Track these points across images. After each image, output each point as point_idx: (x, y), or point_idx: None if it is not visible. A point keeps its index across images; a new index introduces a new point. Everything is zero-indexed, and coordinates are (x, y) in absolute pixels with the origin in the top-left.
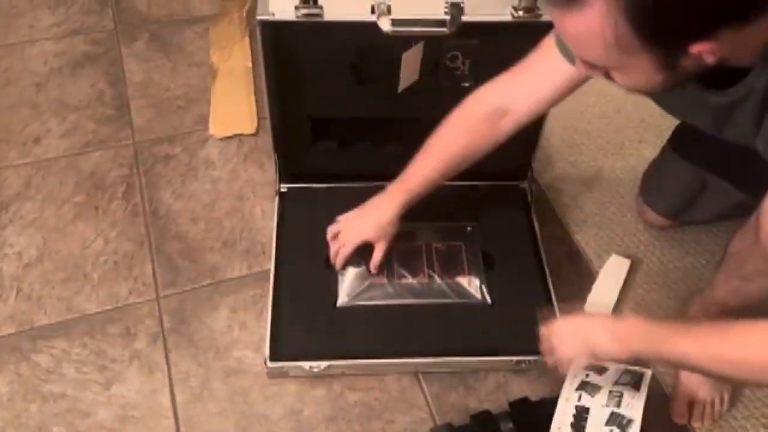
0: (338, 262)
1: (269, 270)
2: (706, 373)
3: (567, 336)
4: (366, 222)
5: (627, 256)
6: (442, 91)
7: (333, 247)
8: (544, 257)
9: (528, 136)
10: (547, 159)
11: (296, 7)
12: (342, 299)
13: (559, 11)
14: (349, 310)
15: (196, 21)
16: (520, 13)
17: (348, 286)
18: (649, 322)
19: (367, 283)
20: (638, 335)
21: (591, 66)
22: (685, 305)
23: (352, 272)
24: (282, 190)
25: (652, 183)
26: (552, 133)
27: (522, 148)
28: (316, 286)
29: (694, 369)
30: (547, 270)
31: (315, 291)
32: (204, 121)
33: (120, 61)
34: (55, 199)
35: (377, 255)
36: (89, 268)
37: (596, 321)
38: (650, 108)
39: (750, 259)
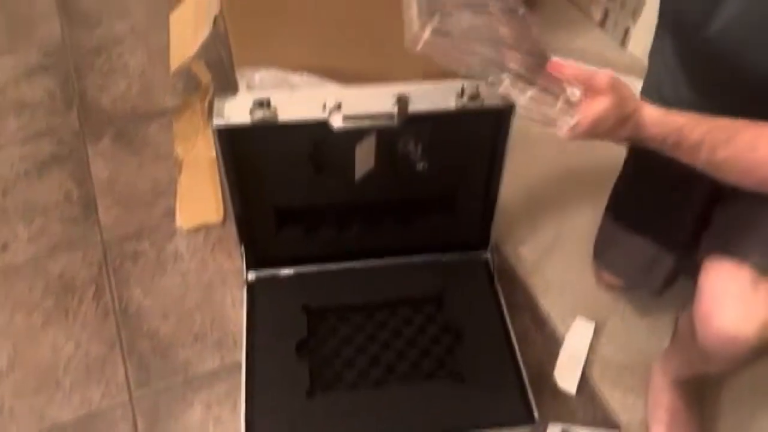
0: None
1: (241, 361)
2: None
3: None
4: None
5: (591, 318)
6: (398, 174)
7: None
8: (510, 327)
9: (485, 207)
10: (508, 225)
11: (251, 111)
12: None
13: None
14: (323, 399)
15: (160, 114)
16: (465, 100)
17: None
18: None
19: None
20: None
21: None
22: (651, 363)
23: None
24: (250, 278)
25: (600, 248)
26: (511, 199)
27: (480, 219)
28: (288, 375)
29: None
30: (514, 339)
31: (287, 380)
32: (171, 214)
33: (86, 160)
34: (25, 305)
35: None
36: (61, 374)
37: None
38: (607, 170)
39: (693, 347)
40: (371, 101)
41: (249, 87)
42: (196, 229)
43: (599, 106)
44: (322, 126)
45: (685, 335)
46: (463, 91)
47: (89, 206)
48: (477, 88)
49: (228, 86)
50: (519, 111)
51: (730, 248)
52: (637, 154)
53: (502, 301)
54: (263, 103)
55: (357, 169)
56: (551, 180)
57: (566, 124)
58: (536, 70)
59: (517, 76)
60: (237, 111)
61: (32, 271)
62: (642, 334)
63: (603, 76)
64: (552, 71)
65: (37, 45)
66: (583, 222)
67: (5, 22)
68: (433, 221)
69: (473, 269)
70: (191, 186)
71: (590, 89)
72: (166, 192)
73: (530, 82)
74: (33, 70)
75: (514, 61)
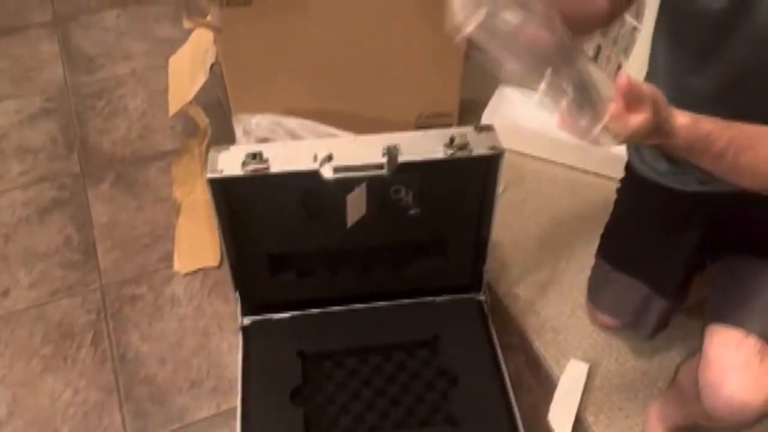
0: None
1: (236, 408)
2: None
3: None
4: None
5: (585, 359)
6: (390, 220)
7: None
8: (504, 369)
9: (477, 250)
10: (502, 266)
11: (243, 163)
12: None
13: None
14: None
15: (161, 157)
16: (454, 149)
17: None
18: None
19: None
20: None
21: None
22: (646, 405)
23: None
24: (245, 323)
25: (594, 288)
26: (504, 239)
27: (472, 262)
28: (283, 422)
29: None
30: (508, 382)
31: (283, 427)
32: (169, 257)
33: (86, 204)
34: (24, 352)
35: None
36: (59, 422)
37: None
38: (601, 209)
39: (694, 403)
40: (361, 152)
41: (245, 132)
42: (194, 273)
43: (638, 119)
44: (314, 176)
45: (686, 388)
46: (452, 140)
47: (89, 251)
48: (466, 137)
49: (227, 130)
50: (553, 121)
51: (733, 317)
52: (626, 197)
53: (497, 344)
54: (255, 156)
55: (349, 216)
56: (546, 219)
57: (603, 137)
58: (575, 82)
59: (555, 85)
60: (230, 163)
61: (32, 318)
62: (636, 376)
63: (647, 88)
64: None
65: (40, 89)
66: (578, 261)
67: (9, 66)
68: (426, 265)
69: (467, 311)
70: (189, 230)
71: (632, 100)
72: (164, 235)
73: (566, 93)
74: (36, 115)
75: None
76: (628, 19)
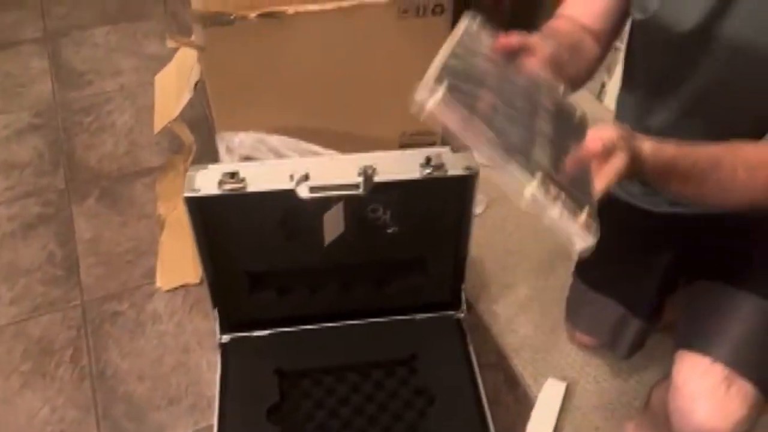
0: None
1: (213, 426)
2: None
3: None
4: None
5: (563, 378)
6: (368, 238)
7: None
8: (482, 389)
9: (456, 268)
10: (482, 284)
11: (219, 183)
12: None
13: None
14: None
15: (146, 173)
16: (430, 169)
17: None
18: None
19: None
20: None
21: None
22: (622, 425)
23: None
24: (224, 340)
25: (572, 307)
26: (485, 256)
27: (451, 280)
28: None
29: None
30: (485, 401)
31: None
32: (152, 274)
33: (71, 220)
34: (3, 369)
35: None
36: None
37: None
38: None
39: (663, 424)
40: (338, 171)
41: (228, 150)
42: (175, 290)
43: (617, 164)
44: (290, 195)
45: (658, 411)
46: (428, 160)
47: (72, 267)
48: (441, 157)
49: (213, 146)
50: (545, 222)
51: (701, 343)
52: (600, 217)
53: (474, 362)
54: (232, 175)
55: (326, 234)
56: (526, 237)
57: (583, 242)
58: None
59: (549, 178)
60: (207, 182)
61: (12, 334)
62: (614, 396)
63: (615, 133)
64: (575, 164)
65: (29, 105)
66: (558, 279)
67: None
68: (404, 283)
69: (446, 329)
70: (172, 246)
71: (607, 153)
72: (148, 252)
73: (560, 186)
74: (23, 130)
75: (547, 157)
76: None
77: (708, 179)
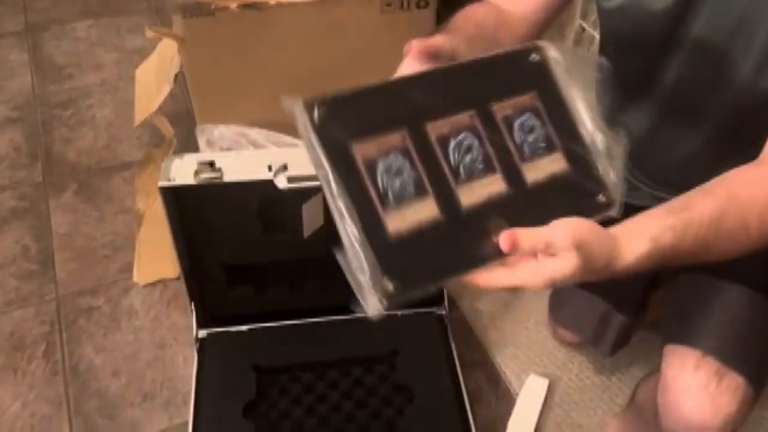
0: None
1: (188, 422)
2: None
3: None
4: None
5: (545, 375)
6: None
7: None
8: (463, 386)
9: None
10: None
11: (195, 172)
12: None
13: None
14: None
15: (125, 167)
16: None
17: None
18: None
19: None
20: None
21: None
22: (604, 422)
23: None
24: (200, 335)
25: (555, 303)
26: None
27: None
28: None
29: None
30: (466, 399)
31: None
32: (129, 269)
33: (47, 214)
34: None
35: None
36: None
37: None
38: None
39: (653, 424)
40: None
41: (209, 143)
42: (153, 284)
43: (559, 267)
44: (268, 186)
45: (645, 407)
46: None
47: (46, 261)
48: None
49: (193, 139)
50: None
51: (690, 337)
52: None
53: (456, 359)
54: (209, 165)
55: (305, 227)
56: None
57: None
58: None
59: None
60: (183, 172)
61: None
62: (596, 393)
63: (563, 239)
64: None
65: (7, 98)
66: None
67: None
68: None
69: (428, 325)
70: (150, 241)
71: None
72: (125, 246)
73: None
74: (0, 124)
75: None
76: None
77: (719, 243)
